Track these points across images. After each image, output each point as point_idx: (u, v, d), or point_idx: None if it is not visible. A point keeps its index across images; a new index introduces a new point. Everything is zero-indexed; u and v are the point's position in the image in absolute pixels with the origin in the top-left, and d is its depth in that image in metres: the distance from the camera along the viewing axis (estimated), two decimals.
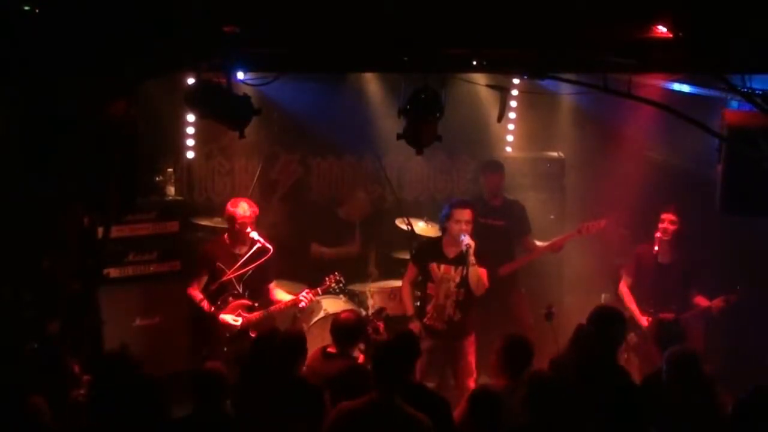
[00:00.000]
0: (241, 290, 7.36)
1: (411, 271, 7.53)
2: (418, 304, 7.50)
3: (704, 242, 7.97)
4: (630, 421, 5.05)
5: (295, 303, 7.44)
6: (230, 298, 7.33)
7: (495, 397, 5.04)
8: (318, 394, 5.50)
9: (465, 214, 7.20)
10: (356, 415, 4.96)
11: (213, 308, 7.23)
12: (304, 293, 7.45)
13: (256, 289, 7.43)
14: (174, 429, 5.15)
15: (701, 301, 7.32)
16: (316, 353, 6.37)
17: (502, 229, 8.08)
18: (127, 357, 5.47)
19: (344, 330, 6.25)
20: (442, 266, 7.31)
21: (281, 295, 7.55)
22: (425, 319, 7.32)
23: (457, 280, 7.16)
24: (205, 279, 7.33)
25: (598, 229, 7.90)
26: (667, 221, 7.41)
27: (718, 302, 7.24)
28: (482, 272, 7.17)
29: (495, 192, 8.23)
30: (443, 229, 7.41)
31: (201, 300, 7.22)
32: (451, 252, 7.27)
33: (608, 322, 5.78)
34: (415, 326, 7.21)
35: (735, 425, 4.97)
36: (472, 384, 7.25)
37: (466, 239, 7.08)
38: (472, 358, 7.35)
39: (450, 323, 7.24)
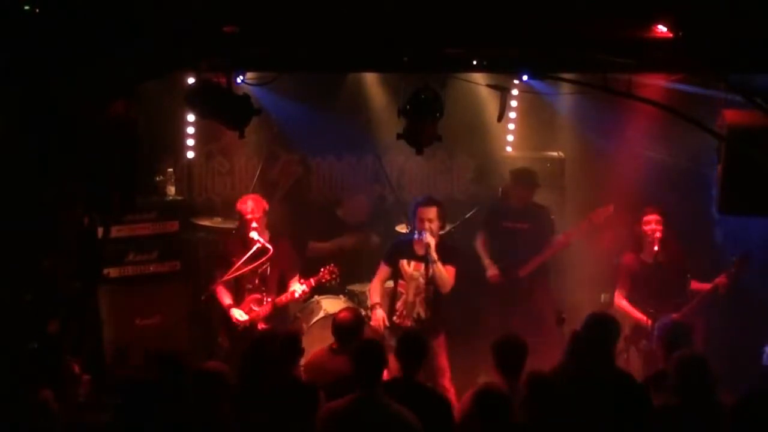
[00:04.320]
0: (258, 286, 7.40)
1: (382, 270, 7.53)
2: (389, 302, 7.51)
3: (703, 241, 8.00)
4: (631, 423, 5.05)
5: (291, 296, 7.45)
6: (246, 293, 7.40)
7: (501, 395, 5.03)
8: (313, 393, 5.52)
9: (429, 213, 7.21)
10: (341, 413, 5.07)
11: (229, 302, 7.32)
12: (296, 285, 7.46)
13: (273, 285, 7.46)
14: (173, 428, 5.15)
15: (698, 285, 7.32)
16: (324, 350, 6.40)
17: (526, 233, 8.03)
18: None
19: (343, 328, 6.27)
20: (412, 263, 7.35)
21: (296, 286, 7.55)
22: (394, 318, 7.36)
23: (427, 277, 7.18)
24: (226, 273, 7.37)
25: (608, 215, 7.85)
26: (654, 222, 7.40)
27: (722, 279, 7.22)
28: (448, 270, 7.21)
29: (523, 203, 8.19)
30: (412, 227, 7.43)
31: (210, 290, 7.30)
32: (420, 249, 7.28)
33: (601, 327, 5.77)
34: (375, 314, 7.28)
35: (732, 427, 4.97)
36: (446, 383, 7.29)
37: (426, 237, 7.10)
38: (443, 358, 7.36)
39: (418, 321, 7.26)
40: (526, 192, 8.20)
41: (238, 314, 7.31)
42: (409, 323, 7.27)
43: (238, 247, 7.40)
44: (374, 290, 7.54)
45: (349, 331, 6.25)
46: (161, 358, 5.50)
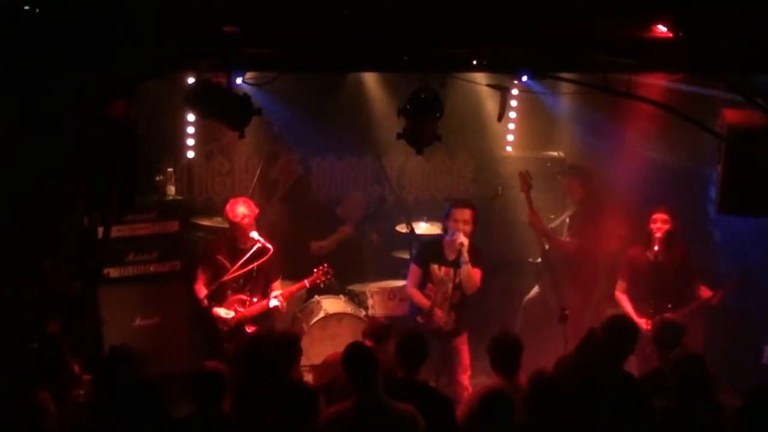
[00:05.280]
0: (242, 286, 7.35)
1: (414, 273, 7.47)
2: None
3: (702, 241, 8.00)
4: (630, 424, 5.05)
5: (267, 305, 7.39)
6: (229, 292, 7.35)
7: (504, 398, 5.03)
8: (312, 395, 5.51)
9: (464, 214, 7.22)
10: (343, 418, 5.03)
11: (210, 302, 7.25)
12: (277, 292, 7.42)
13: (258, 286, 7.43)
14: (173, 429, 5.15)
15: (705, 292, 7.32)
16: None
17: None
18: (128, 356, 5.47)
19: (376, 331, 6.24)
20: (443, 268, 7.32)
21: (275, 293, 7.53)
22: (419, 318, 7.33)
23: (456, 281, 7.17)
24: (209, 273, 7.35)
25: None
26: (660, 221, 7.41)
27: (716, 295, 7.26)
28: (475, 272, 7.21)
29: (580, 196, 8.23)
30: (444, 229, 7.44)
31: (203, 297, 7.25)
32: (450, 254, 7.27)
33: (622, 331, 5.79)
34: (438, 314, 7.21)
35: (737, 426, 4.97)
36: (465, 380, 7.32)
37: (460, 237, 7.10)
38: (465, 356, 7.39)
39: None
40: (565, 180, 8.34)
41: (223, 312, 7.27)
42: (435, 325, 7.23)
43: (226, 247, 7.37)
44: (417, 295, 7.41)
45: (380, 334, 6.18)
46: (111, 354, 5.50)
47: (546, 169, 8.91)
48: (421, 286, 7.42)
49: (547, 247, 8.18)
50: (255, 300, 7.38)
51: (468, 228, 7.20)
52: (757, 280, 7.60)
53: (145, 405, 5.01)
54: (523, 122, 9.16)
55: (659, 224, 7.40)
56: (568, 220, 8.41)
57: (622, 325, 5.88)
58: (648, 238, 7.47)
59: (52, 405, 4.93)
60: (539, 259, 8.34)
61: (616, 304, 7.51)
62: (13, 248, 5.48)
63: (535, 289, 8.47)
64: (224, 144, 8.77)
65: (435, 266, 7.35)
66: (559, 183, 8.47)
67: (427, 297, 7.36)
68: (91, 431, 5.22)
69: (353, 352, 5.34)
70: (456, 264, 7.15)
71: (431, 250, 7.48)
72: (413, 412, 5.07)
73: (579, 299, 8.02)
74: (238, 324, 7.30)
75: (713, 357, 5.82)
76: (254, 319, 7.36)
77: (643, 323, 7.21)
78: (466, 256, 7.12)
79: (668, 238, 7.38)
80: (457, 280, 7.14)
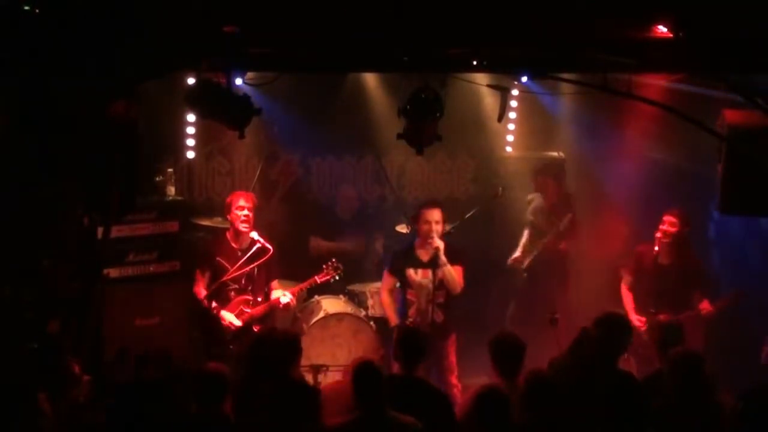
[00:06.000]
0: (244, 286, 7.35)
1: (387, 280, 7.46)
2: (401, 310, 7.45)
3: (702, 242, 7.99)
4: (629, 423, 5.06)
5: (276, 302, 7.41)
6: (232, 293, 7.34)
7: (502, 397, 5.02)
8: (313, 395, 5.50)
9: (435, 214, 7.20)
10: (346, 430, 5.00)
11: (215, 305, 7.23)
12: (279, 292, 7.41)
13: (260, 286, 7.42)
14: (174, 429, 5.15)
15: (705, 305, 7.29)
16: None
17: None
18: (130, 356, 5.48)
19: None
20: (419, 271, 7.30)
21: (279, 292, 7.54)
22: (407, 323, 7.28)
23: (435, 282, 7.13)
24: (207, 274, 7.33)
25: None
26: (668, 223, 7.37)
27: (711, 308, 7.26)
28: (457, 270, 7.19)
29: (554, 198, 8.24)
30: (413, 231, 7.42)
31: (204, 298, 7.23)
32: (424, 255, 7.25)
33: (615, 328, 5.78)
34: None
35: (736, 425, 4.97)
36: (454, 380, 7.32)
37: (435, 241, 7.08)
38: (452, 357, 7.38)
39: (433, 326, 7.20)
40: (543, 180, 8.35)
41: (231, 318, 7.25)
42: (423, 329, 7.09)
43: (225, 248, 7.35)
44: (388, 308, 7.43)
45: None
46: (153, 357, 5.49)
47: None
48: (402, 291, 7.40)
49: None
50: (259, 299, 7.38)
51: (440, 227, 7.17)
52: (757, 282, 7.60)
53: (145, 405, 5.01)
54: (523, 122, 9.15)
55: (666, 226, 7.36)
56: (531, 216, 8.41)
57: (614, 322, 5.86)
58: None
59: (47, 405, 4.93)
60: (524, 266, 8.32)
61: (618, 302, 7.50)
62: (13, 248, 5.48)
63: (512, 307, 8.46)
64: (224, 144, 8.77)
65: (411, 271, 7.32)
66: (534, 182, 8.44)
67: (410, 303, 7.33)
68: (91, 431, 5.22)
69: (362, 370, 5.24)
70: (432, 264, 7.12)
71: (404, 256, 7.43)
72: (415, 424, 5.04)
73: (568, 300, 8.02)
74: (246, 324, 7.29)
75: (713, 357, 5.81)
76: (260, 319, 7.36)
77: (640, 322, 7.21)
78: (443, 258, 7.08)
79: (672, 241, 7.34)
80: (437, 281, 7.11)
